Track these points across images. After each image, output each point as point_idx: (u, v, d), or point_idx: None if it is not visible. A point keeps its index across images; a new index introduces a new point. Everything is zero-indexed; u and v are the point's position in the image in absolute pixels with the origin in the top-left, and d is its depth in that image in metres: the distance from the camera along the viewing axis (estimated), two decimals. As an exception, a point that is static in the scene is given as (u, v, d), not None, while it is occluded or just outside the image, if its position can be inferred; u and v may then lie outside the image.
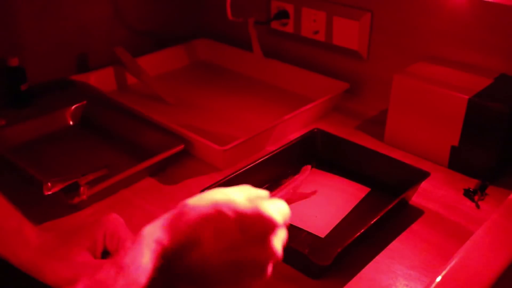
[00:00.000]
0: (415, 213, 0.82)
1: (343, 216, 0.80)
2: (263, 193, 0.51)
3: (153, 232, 0.47)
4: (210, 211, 0.47)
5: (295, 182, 0.83)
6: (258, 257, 0.47)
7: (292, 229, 0.74)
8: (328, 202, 0.84)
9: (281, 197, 0.63)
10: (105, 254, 0.65)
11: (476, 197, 0.86)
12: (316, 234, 0.76)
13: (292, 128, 1.03)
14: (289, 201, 0.60)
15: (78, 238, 0.64)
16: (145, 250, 0.46)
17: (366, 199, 0.85)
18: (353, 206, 0.83)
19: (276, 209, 0.49)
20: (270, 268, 0.48)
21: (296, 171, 0.88)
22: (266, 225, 0.48)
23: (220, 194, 0.49)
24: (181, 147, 0.92)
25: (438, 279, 0.64)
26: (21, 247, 0.63)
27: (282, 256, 0.49)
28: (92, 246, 0.64)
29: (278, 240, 0.49)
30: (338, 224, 0.79)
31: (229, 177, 0.82)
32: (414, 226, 0.80)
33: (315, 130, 0.95)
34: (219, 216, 0.47)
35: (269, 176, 0.88)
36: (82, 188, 0.80)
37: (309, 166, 0.70)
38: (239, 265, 0.47)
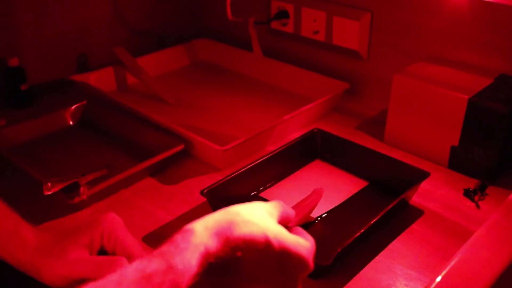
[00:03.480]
0: (415, 213, 0.82)
1: (341, 201, 0.82)
2: (291, 213, 0.56)
3: (204, 235, 0.47)
4: (260, 237, 0.48)
5: (310, 206, 0.82)
6: None
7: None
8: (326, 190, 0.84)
9: (299, 221, 0.64)
10: (102, 253, 0.65)
11: (476, 197, 0.86)
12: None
13: (292, 128, 1.03)
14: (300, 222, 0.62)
15: (75, 236, 0.64)
16: (195, 252, 0.45)
17: (366, 199, 0.85)
18: (351, 194, 0.84)
19: (311, 250, 0.52)
20: None
21: (296, 170, 0.88)
22: (302, 266, 0.51)
23: (269, 221, 0.51)
24: (181, 147, 0.92)
25: (438, 279, 0.64)
26: (19, 248, 0.63)
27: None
28: (89, 245, 0.64)
29: (304, 278, 0.52)
30: (337, 220, 0.79)
31: (229, 177, 0.82)
32: (414, 226, 0.80)
33: (315, 130, 0.95)
34: (266, 246, 0.48)
35: (269, 176, 0.88)
36: (82, 188, 0.80)
37: (322, 190, 0.70)
38: None
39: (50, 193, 0.78)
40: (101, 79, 1.17)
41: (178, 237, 0.47)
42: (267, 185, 0.87)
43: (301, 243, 0.51)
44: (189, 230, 0.47)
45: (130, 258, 0.61)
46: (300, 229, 0.56)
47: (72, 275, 0.61)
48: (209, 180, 0.86)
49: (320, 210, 0.78)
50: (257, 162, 0.86)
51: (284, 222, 0.54)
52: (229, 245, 0.47)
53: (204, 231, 0.47)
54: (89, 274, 0.61)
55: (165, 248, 0.46)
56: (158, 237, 0.76)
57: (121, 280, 0.43)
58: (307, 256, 0.51)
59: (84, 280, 0.61)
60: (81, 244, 0.63)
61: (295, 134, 1.00)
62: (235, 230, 0.47)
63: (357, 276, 0.70)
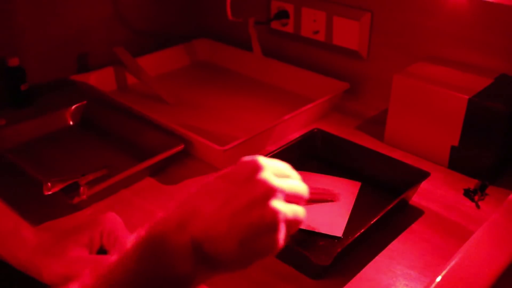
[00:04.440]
0: (415, 213, 0.82)
1: (349, 212, 0.81)
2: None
3: None
4: (197, 187, 0.47)
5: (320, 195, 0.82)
6: (252, 194, 0.45)
7: (307, 234, 0.74)
8: (328, 203, 0.83)
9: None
10: (102, 253, 0.65)
11: (476, 197, 0.86)
12: (334, 234, 0.76)
13: (292, 128, 1.03)
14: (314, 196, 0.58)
15: (75, 236, 0.64)
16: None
17: (367, 199, 0.85)
18: (354, 201, 0.83)
19: (254, 156, 0.49)
20: (279, 227, 0.45)
21: (295, 170, 0.88)
22: (247, 167, 0.47)
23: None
24: (181, 147, 0.92)
25: (438, 279, 0.64)
26: (19, 247, 0.63)
27: (278, 187, 0.46)
28: (88, 244, 0.64)
29: (266, 174, 0.46)
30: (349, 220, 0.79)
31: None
32: (414, 226, 0.80)
33: (315, 130, 0.95)
34: (206, 182, 0.47)
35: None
36: (82, 188, 0.80)
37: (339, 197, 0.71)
38: (241, 217, 0.44)
39: (50, 193, 0.78)
40: (101, 79, 1.17)
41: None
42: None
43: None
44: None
45: None
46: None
47: (71, 274, 0.61)
48: (209, 180, 0.86)
49: (340, 227, 0.78)
50: (257, 162, 0.86)
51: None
52: (176, 210, 0.47)
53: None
54: None
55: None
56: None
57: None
58: (249, 158, 0.48)
59: None
60: (80, 243, 0.63)
61: (295, 134, 1.00)
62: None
63: (357, 276, 0.70)
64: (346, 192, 0.85)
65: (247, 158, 0.48)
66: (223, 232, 0.44)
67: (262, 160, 0.48)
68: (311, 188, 0.51)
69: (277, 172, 0.48)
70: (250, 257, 0.46)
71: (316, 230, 0.76)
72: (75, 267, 0.61)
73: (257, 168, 0.47)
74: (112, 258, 0.45)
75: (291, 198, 0.48)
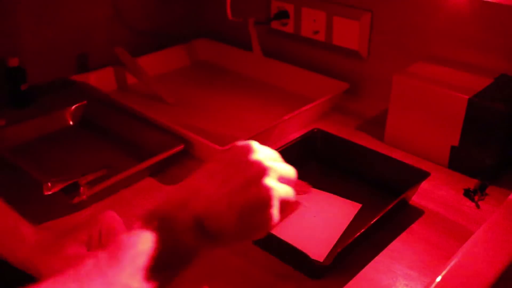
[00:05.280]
0: (415, 213, 0.82)
1: (339, 236, 0.77)
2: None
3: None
4: (197, 171, 0.52)
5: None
6: (247, 174, 0.48)
7: (290, 251, 0.71)
8: (321, 222, 0.80)
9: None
10: None
11: (476, 197, 0.86)
12: (315, 258, 0.70)
13: (292, 128, 1.03)
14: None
15: (73, 233, 0.64)
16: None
17: (367, 199, 0.84)
18: (347, 225, 0.79)
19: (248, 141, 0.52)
20: (272, 202, 0.48)
21: (296, 170, 0.88)
22: (242, 150, 0.51)
23: None
24: (181, 147, 0.92)
25: (438, 279, 0.64)
26: (18, 245, 0.63)
27: (270, 167, 0.49)
28: (87, 241, 0.64)
29: (258, 155, 0.50)
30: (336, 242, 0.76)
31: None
32: (414, 226, 0.80)
33: (315, 130, 0.95)
34: (205, 166, 0.51)
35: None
36: (82, 188, 0.80)
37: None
38: (238, 195, 0.48)
39: (50, 193, 0.78)
40: (101, 79, 1.17)
41: None
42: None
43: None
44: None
45: None
46: None
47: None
48: (209, 180, 0.86)
49: (324, 250, 0.74)
50: (257, 162, 0.86)
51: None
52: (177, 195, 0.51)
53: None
54: None
55: None
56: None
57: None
58: (241, 142, 0.52)
59: None
60: (79, 240, 0.63)
61: (295, 134, 1.00)
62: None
63: (357, 276, 0.70)
64: (342, 213, 0.82)
65: (240, 142, 0.52)
66: (223, 210, 0.48)
67: (254, 144, 0.52)
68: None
69: (268, 156, 0.52)
70: (248, 231, 0.49)
71: (299, 248, 0.69)
72: (73, 264, 0.62)
73: (250, 150, 0.51)
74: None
75: (284, 180, 0.52)
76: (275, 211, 0.49)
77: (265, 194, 0.48)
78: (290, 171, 0.53)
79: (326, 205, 0.84)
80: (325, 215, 0.82)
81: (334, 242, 0.76)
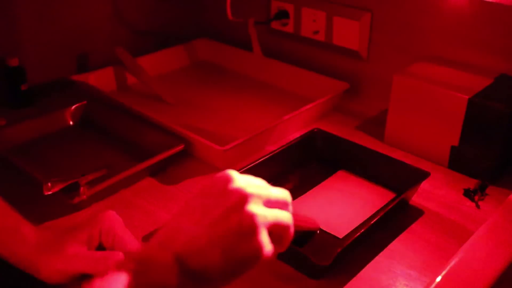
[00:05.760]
0: (415, 213, 0.82)
1: (364, 219, 0.79)
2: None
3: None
4: (178, 208, 0.49)
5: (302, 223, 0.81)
6: (227, 203, 0.46)
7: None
8: (350, 205, 0.83)
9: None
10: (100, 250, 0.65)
11: (476, 197, 0.86)
12: (334, 234, 0.76)
13: (292, 128, 1.03)
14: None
15: (74, 233, 0.64)
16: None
17: (367, 199, 0.85)
18: (375, 210, 0.81)
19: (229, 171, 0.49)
20: (259, 230, 0.45)
21: (296, 170, 0.88)
22: (220, 181, 0.48)
23: None
24: (181, 147, 0.92)
25: (438, 279, 0.64)
26: (19, 245, 0.63)
27: (251, 193, 0.46)
28: (87, 241, 0.64)
29: (238, 183, 0.47)
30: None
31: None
32: (414, 226, 0.80)
33: (315, 130, 0.95)
34: (185, 201, 0.49)
35: (269, 176, 0.88)
36: (82, 188, 0.80)
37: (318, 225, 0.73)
38: (219, 226, 0.45)
39: (50, 193, 0.78)
40: (101, 79, 1.17)
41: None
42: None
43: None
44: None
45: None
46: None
47: (68, 270, 0.62)
48: (209, 180, 0.86)
49: (345, 229, 0.77)
50: (257, 162, 0.86)
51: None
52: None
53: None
54: (86, 269, 0.62)
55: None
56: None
57: None
58: (221, 173, 0.49)
59: (82, 276, 0.61)
60: (79, 239, 0.63)
61: (295, 134, 1.00)
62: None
63: (357, 276, 0.70)
64: (373, 198, 0.84)
65: (219, 173, 0.49)
66: (204, 244, 0.45)
67: (233, 173, 0.49)
68: (293, 215, 0.51)
69: (249, 183, 0.48)
70: (236, 266, 0.46)
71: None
72: (73, 263, 0.62)
73: (229, 180, 0.48)
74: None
75: (273, 204, 0.49)
76: (264, 239, 0.45)
77: (249, 221, 0.45)
78: (280, 194, 0.50)
79: (359, 190, 0.86)
80: (356, 200, 0.84)
81: (358, 223, 0.77)
